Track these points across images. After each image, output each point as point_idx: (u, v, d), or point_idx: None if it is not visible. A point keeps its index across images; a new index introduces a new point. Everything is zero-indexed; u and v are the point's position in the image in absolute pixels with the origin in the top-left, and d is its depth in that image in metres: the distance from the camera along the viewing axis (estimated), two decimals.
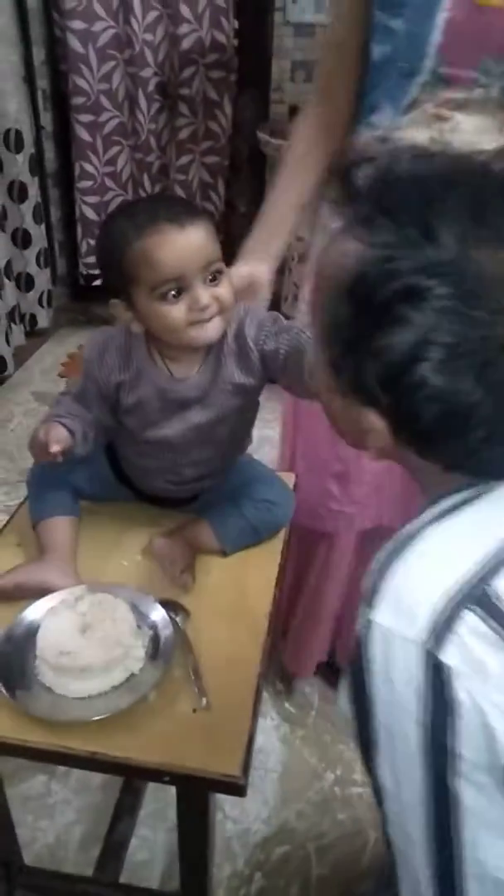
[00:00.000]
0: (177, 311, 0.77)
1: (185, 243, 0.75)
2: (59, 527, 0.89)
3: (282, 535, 0.97)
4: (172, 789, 1.18)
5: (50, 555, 0.86)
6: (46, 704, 0.70)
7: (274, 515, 0.95)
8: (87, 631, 0.74)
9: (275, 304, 3.13)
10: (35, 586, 0.82)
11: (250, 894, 1.09)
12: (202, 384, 0.86)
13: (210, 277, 0.77)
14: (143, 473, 0.96)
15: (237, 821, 1.18)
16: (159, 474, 0.94)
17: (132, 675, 0.73)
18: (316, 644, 1.32)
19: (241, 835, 1.17)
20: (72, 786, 1.22)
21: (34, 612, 0.79)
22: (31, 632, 0.75)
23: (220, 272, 0.79)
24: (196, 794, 0.74)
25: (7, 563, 0.87)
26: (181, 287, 0.76)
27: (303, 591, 1.28)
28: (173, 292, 0.76)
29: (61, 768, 1.23)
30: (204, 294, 0.76)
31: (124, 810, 1.08)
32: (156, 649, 0.75)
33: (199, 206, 0.79)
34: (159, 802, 1.20)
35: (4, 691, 0.70)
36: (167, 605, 0.81)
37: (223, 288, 0.79)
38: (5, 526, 0.96)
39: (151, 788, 1.19)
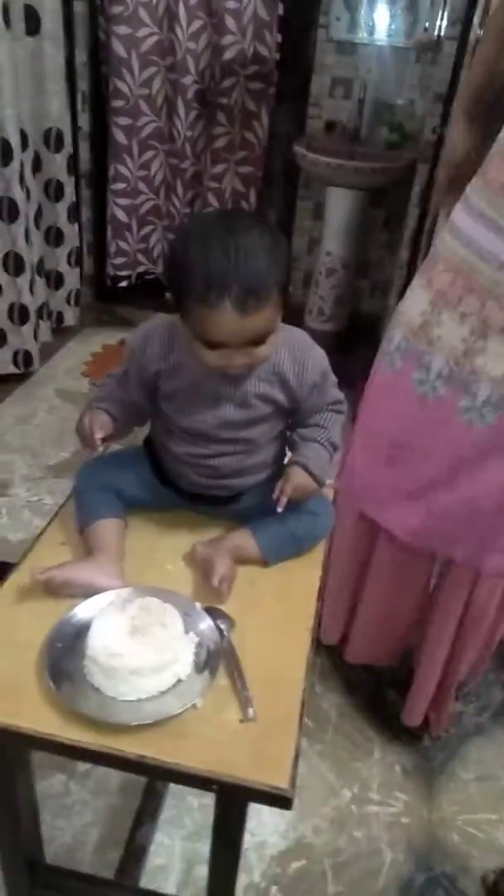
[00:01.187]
0: (210, 357, 0.81)
1: (239, 328, 0.77)
2: (107, 529, 0.90)
3: (321, 546, 0.97)
4: (188, 797, 1.20)
5: (97, 555, 0.86)
6: (95, 705, 0.70)
7: (315, 526, 0.96)
8: (137, 634, 0.74)
9: (299, 317, 3.14)
10: (82, 584, 0.82)
11: None
12: (238, 380, 0.88)
13: (254, 342, 0.80)
14: (179, 464, 0.96)
15: (254, 832, 1.18)
16: (194, 465, 0.95)
17: (179, 680, 0.73)
18: (379, 645, 1.32)
19: (258, 847, 1.16)
20: (90, 787, 1.22)
21: (83, 611, 0.79)
22: (80, 631, 0.76)
23: (263, 342, 0.81)
24: (237, 805, 0.74)
25: (52, 561, 0.87)
26: (223, 344, 0.79)
27: (363, 591, 1.28)
28: (215, 344, 0.79)
29: (81, 769, 1.24)
30: (240, 359, 0.80)
31: (146, 814, 1.08)
32: (202, 657, 0.76)
33: (274, 280, 0.78)
34: (174, 809, 1.20)
35: (55, 689, 0.70)
36: (212, 612, 0.82)
37: (263, 348, 0.81)
38: (48, 525, 0.97)
39: (167, 795, 1.19)
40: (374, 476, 1.22)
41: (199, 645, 0.77)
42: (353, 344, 2.76)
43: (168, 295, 0.82)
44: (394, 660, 1.41)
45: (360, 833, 1.21)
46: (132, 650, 0.72)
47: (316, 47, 2.58)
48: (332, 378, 0.94)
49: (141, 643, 0.73)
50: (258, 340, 0.80)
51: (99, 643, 0.73)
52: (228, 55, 2.52)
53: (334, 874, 1.14)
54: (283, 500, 0.86)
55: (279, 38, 2.53)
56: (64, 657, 0.74)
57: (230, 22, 2.46)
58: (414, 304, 1.12)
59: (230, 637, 0.80)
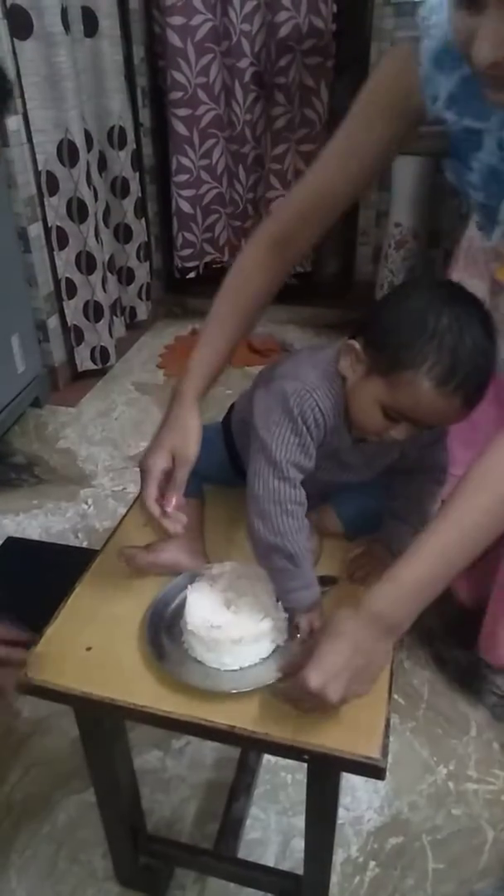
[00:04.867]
0: (380, 422, 0.74)
1: (451, 416, 0.72)
2: (187, 508, 0.91)
3: None
4: (282, 772, 1.21)
5: (180, 536, 0.87)
6: (199, 676, 0.72)
7: None
8: (232, 605, 0.76)
9: (370, 292, 3.08)
10: (166, 564, 0.84)
11: (365, 881, 1.09)
12: (368, 453, 0.84)
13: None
14: None
15: (349, 808, 1.18)
16: None
17: (278, 646, 0.75)
18: None
19: (354, 822, 1.16)
20: (186, 762, 1.25)
21: (174, 590, 0.81)
22: (173, 609, 0.78)
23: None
24: (330, 776, 0.74)
25: (137, 541, 0.90)
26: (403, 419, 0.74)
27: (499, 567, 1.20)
28: (396, 417, 0.74)
29: (175, 745, 1.27)
30: (408, 434, 0.75)
31: (240, 789, 1.10)
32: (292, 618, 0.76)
33: (492, 376, 0.72)
34: (268, 785, 1.21)
35: (160, 665, 0.72)
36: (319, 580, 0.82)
37: (427, 433, 0.78)
38: (130, 507, 1.00)
39: (262, 770, 1.21)
40: None
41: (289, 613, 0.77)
42: None
43: (353, 344, 0.75)
44: None
45: (458, 810, 1.18)
46: (231, 621, 0.74)
47: (373, 12, 2.51)
48: (444, 442, 0.87)
49: (237, 614, 0.75)
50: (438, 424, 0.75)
51: (198, 618, 0.74)
52: (283, 32, 2.48)
53: (434, 851, 1.12)
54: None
55: (334, 7, 2.47)
56: (160, 634, 0.76)
57: None
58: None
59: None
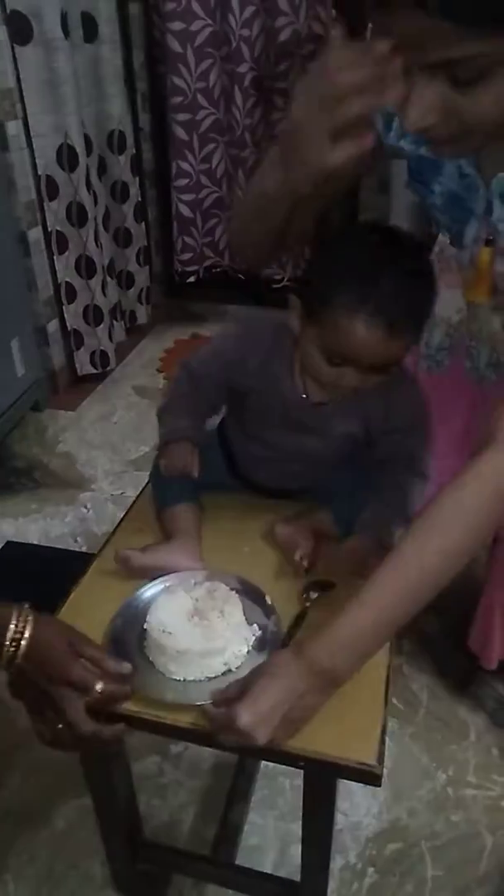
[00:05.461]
0: (325, 370, 0.77)
1: (379, 349, 0.72)
2: (183, 513, 0.91)
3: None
4: (280, 777, 1.21)
5: (176, 539, 0.88)
6: (149, 679, 0.72)
7: None
8: (195, 617, 0.75)
9: None
10: (162, 567, 0.84)
11: (363, 888, 1.08)
12: (324, 416, 0.86)
13: (376, 368, 0.76)
14: (247, 460, 0.97)
15: (347, 814, 1.17)
16: (262, 464, 0.96)
17: (230, 670, 0.73)
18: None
19: (352, 828, 1.15)
20: (183, 768, 1.25)
21: (153, 589, 0.81)
22: (147, 607, 0.78)
23: (388, 369, 0.77)
24: (326, 781, 0.74)
25: (134, 545, 0.89)
26: (345, 362, 0.75)
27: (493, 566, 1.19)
28: (337, 361, 0.75)
29: (173, 750, 1.27)
30: (355, 378, 0.76)
31: (238, 795, 1.09)
32: (265, 645, 0.75)
33: (425, 312, 0.77)
34: (266, 790, 1.21)
35: (112, 651, 0.73)
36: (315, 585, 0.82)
37: (377, 376, 0.77)
38: (128, 511, 0.99)
39: (260, 775, 1.20)
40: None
41: (259, 638, 0.76)
42: None
43: (294, 297, 0.78)
44: None
45: (457, 817, 1.18)
46: (184, 631, 0.73)
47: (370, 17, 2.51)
48: (421, 434, 0.87)
49: (195, 626, 0.73)
50: (383, 368, 0.76)
51: (156, 618, 0.74)
52: (283, 37, 2.48)
53: (433, 857, 1.12)
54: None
55: (333, 12, 2.47)
56: (127, 631, 0.76)
57: (282, 3, 2.43)
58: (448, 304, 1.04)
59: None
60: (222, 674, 0.72)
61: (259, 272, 2.63)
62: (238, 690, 0.65)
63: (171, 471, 0.90)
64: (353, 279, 0.70)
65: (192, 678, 0.72)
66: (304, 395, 0.84)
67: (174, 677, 0.72)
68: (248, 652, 0.74)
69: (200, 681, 0.72)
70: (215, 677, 0.72)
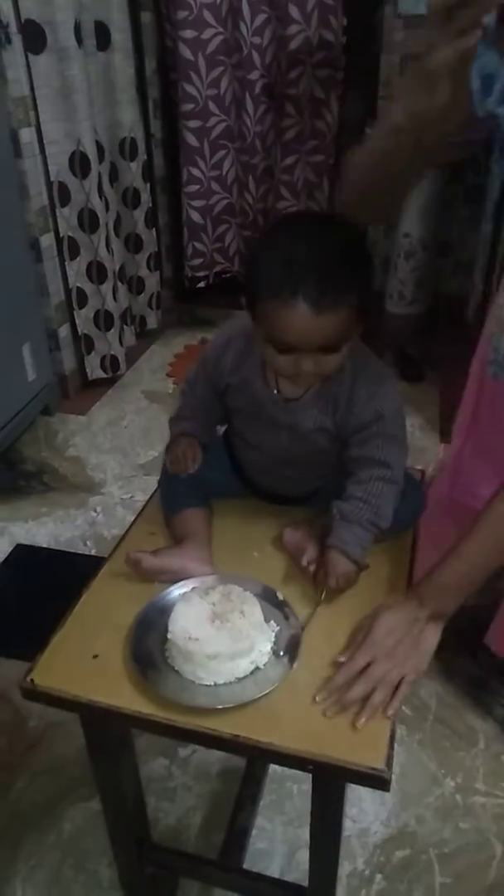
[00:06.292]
0: (280, 361, 0.78)
1: (312, 328, 0.73)
2: (193, 518, 0.92)
3: (411, 528, 0.95)
4: (288, 782, 1.21)
5: (186, 543, 0.88)
6: (176, 687, 0.72)
7: (403, 510, 0.93)
8: (217, 620, 0.75)
9: (378, 301, 3.07)
10: (173, 571, 0.84)
11: (371, 895, 1.08)
12: (296, 410, 0.87)
13: (325, 349, 0.76)
14: (249, 465, 0.98)
15: (356, 819, 1.17)
16: (259, 469, 0.97)
17: (258, 668, 0.73)
18: None
19: (360, 834, 1.15)
20: (191, 772, 1.25)
21: (168, 596, 0.81)
22: (165, 615, 0.78)
23: (336, 349, 0.77)
24: (334, 786, 0.74)
25: (145, 549, 0.90)
26: (294, 349, 0.76)
27: None
28: (285, 348, 0.76)
29: (182, 754, 1.27)
30: (308, 363, 0.76)
31: (246, 799, 1.09)
32: (281, 645, 0.76)
33: (355, 284, 0.74)
34: (274, 795, 1.21)
35: (138, 671, 0.72)
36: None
37: (333, 358, 0.77)
38: (138, 516, 1.00)
39: (267, 780, 1.20)
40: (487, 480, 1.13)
41: (278, 634, 0.77)
42: (437, 326, 2.68)
43: (243, 299, 0.80)
44: None
45: (466, 824, 1.17)
46: (210, 635, 0.73)
47: (383, 25, 2.52)
48: (391, 432, 0.85)
49: (219, 629, 0.74)
50: (330, 348, 0.75)
51: (179, 627, 0.74)
52: (294, 45, 2.50)
53: (441, 864, 1.12)
54: (323, 594, 0.81)
55: (345, 20, 2.49)
56: (149, 640, 0.76)
57: (294, 11, 2.45)
58: None
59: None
60: (251, 672, 0.73)
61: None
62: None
63: (175, 465, 0.93)
64: (275, 266, 0.72)
65: (222, 681, 0.72)
66: (276, 392, 0.86)
67: (204, 683, 0.72)
68: (271, 649, 0.75)
69: (231, 683, 0.72)
70: (245, 677, 0.73)
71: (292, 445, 0.90)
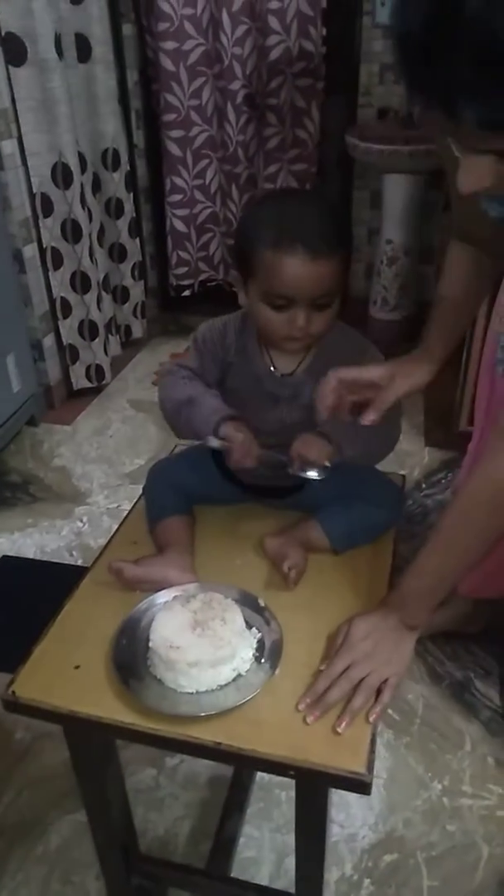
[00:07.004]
0: (277, 320, 0.84)
1: (309, 273, 0.80)
2: (176, 526, 0.92)
3: (392, 534, 0.96)
4: (275, 790, 1.21)
5: (169, 551, 0.88)
6: (157, 696, 0.72)
7: (383, 515, 0.95)
8: (198, 628, 0.75)
9: (363, 308, 3.09)
10: (155, 579, 0.85)
11: None
12: (294, 384, 0.92)
13: (318, 304, 0.83)
14: None
15: (343, 825, 1.17)
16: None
17: (239, 675, 0.74)
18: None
19: (348, 839, 1.15)
20: (179, 781, 1.25)
21: (149, 605, 0.81)
22: (146, 624, 0.78)
23: (328, 304, 0.84)
24: (317, 791, 0.74)
25: (127, 558, 0.90)
26: (289, 302, 0.83)
27: None
28: (281, 303, 0.83)
29: (169, 763, 1.27)
30: (302, 317, 0.83)
31: (233, 807, 1.09)
32: (263, 652, 0.76)
33: (342, 237, 0.86)
34: (262, 802, 1.21)
35: (120, 681, 0.73)
36: None
37: (323, 316, 0.85)
38: (121, 525, 1.00)
39: (255, 788, 1.20)
40: None
41: (260, 641, 0.77)
42: (421, 331, 2.70)
43: (234, 273, 0.87)
44: None
45: (453, 827, 1.18)
46: (191, 643, 0.73)
47: (362, 35, 2.56)
48: None
49: (200, 637, 0.74)
50: (322, 303, 0.82)
51: (160, 636, 0.75)
52: (274, 55, 2.53)
53: (429, 868, 1.12)
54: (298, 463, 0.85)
55: (324, 31, 2.52)
56: (131, 649, 0.77)
57: (274, 22, 2.47)
58: None
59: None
60: (233, 680, 0.73)
61: None
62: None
63: (244, 458, 0.87)
64: (269, 219, 0.81)
65: (204, 689, 0.72)
66: (273, 369, 0.92)
67: (186, 691, 0.72)
68: (253, 656, 0.76)
69: (213, 690, 0.73)
70: (227, 684, 0.73)
71: (293, 417, 0.92)
